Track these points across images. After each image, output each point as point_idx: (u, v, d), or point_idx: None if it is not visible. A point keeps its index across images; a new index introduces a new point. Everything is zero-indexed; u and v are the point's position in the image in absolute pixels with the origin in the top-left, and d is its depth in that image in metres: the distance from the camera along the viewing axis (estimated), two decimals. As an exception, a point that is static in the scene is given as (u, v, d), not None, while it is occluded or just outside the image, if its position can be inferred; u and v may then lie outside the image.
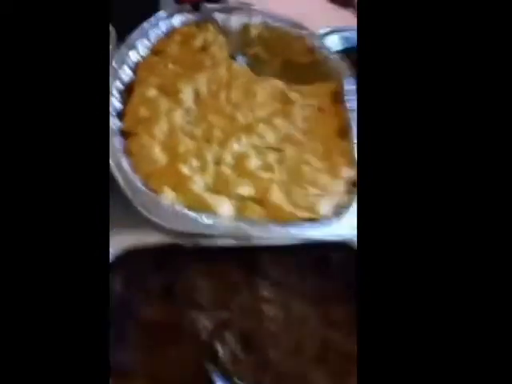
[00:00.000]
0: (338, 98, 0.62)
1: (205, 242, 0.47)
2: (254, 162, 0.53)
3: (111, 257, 0.43)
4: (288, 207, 0.50)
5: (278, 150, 0.55)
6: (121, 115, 0.56)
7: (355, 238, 0.50)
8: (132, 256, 0.45)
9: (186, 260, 0.47)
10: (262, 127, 0.56)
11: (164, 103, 0.57)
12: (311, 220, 0.50)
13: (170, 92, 0.58)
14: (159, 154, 0.52)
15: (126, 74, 0.60)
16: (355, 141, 0.57)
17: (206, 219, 0.47)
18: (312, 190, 0.52)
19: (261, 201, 0.50)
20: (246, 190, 0.50)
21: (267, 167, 0.53)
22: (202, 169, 0.51)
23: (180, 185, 0.49)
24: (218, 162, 0.52)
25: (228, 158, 0.52)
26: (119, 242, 0.45)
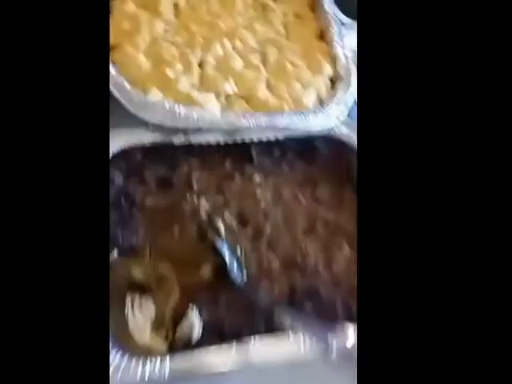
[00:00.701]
0: (315, 5, 0.64)
1: (195, 139, 0.49)
2: (238, 63, 0.54)
3: (110, 154, 0.45)
4: (273, 101, 0.52)
5: (260, 52, 0.56)
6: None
7: (337, 128, 0.53)
8: (128, 153, 0.47)
9: (180, 155, 0.48)
10: (243, 32, 0.57)
11: (144, 16, 0.57)
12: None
13: (149, 6, 0.59)
14: (143, 61, 0.52)
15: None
16: (334, 41, 0.59)
17: (194, 113, 0.47)
18: (296, 85, 0.53)
19: (247, 97, 0.52)
20: (231, 87, 0.51)
21: (251, 67, 0.54)
22: (187, 71, 0.52)
23: (166, 85, 0.50)
24: (202, 64, 0.53)
25: (212, 60, 0.53)
26: (116, 142, 0.46)
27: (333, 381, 0.38)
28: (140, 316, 0.39)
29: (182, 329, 0.38)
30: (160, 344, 0.37)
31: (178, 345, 0.37)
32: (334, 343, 0.36)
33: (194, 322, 0.38)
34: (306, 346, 0.37)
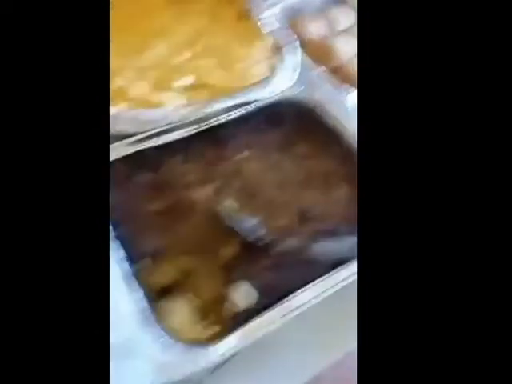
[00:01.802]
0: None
1: (169, 137, 0.49)
2: (183, 55, 0.54)
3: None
4: (228, 81, 0.53)
5: (199, 40, 0.56)
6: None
7: (294, 92, 0.55)
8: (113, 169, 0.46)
9: (162, 156, 0.48)
10: (173, 29, 0.57)
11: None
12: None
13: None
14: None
15: None
16: (259, 16, 0.62)
17: (158, 113, 0.48)
18: (243, 62, 0.55)
19: (205, 85, 0.52)
20: (186, 80, 0.52)
21: (201, 55, 0.55)
22: (137, 77, 0.52)
23: (120, 96, 0.49)
24: (149, 66, 0.53)
25: (158, 60, 0.53)
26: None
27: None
28: (181, 314, 0.39)
29: (229, 308, 0.38)
30: (215, 328, 0.37)
31: (234, 323, 0.37)
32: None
33: (243, 294, 0.38)
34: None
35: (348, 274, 0.39)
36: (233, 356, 0.35)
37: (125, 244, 0.40)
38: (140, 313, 0.36)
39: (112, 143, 0.47)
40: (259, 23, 0.60)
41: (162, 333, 0.35)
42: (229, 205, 0.45)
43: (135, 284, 0.38)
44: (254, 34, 0.59)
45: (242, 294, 0.38)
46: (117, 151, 0.47)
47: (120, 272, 0.38)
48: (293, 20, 0.63)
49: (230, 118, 0.51)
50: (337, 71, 0.59)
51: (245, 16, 0.62)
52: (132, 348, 0.34)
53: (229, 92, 0.52)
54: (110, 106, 0.48)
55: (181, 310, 0.38)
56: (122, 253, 0.39)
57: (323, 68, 0.58)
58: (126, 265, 0.39)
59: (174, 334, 0.36)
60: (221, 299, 0.38)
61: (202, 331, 0.37)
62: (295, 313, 0.37)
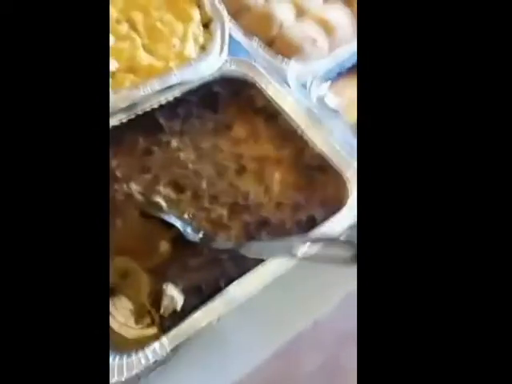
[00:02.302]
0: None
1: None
2: (110, 39, 0.50)
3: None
4: (158, 63, 0.50)
5: (126, 20, 0.53)
6: None
7: (226, 67, 0.53)
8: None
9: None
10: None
11: None
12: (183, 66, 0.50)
13: None
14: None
15: None
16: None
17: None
18: (173, 41, 0.51)
19: (131, 69, 0.49)
20: (113, 64, 0.49)
21: (124, 38, 0.51)
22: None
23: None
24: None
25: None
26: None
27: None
28: (119, 315, 0.39)
29: (165, 307, 0.38)
30: (150, 330, 0.38)
31: (167, 322, 0.38)
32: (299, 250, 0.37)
33: (173, 296, 0.38)
34: (275, 265, 0.39)
35: (275, 267, 0.40)
36: (170, 355, 0.36)
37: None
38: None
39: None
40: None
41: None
42: (159, 201, 0.44)
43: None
44: (187, 6, 0.55)
45: (170, 297, 0.39)
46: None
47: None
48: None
49: (160, 103, 0.49)
50: (274, 41, 0.57)
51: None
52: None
53: (157, 74, 0.49)
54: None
55: (119, 313, 0.39)
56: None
57: (259, 40, 0.55)
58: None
59: (111, 339, 0.37)
60: (155, 301, 0.39)
61: (138, 333, 0.38)
62: (229, 307, 0.39)
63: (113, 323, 0.38)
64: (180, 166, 0.47)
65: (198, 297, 0.39)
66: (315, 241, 0.37)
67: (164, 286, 0.39)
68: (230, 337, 0.40)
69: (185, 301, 0.39)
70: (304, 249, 0.36)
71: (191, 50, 0.52)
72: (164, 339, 0.37)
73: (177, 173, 0.47)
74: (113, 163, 0.47)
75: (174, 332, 0.37)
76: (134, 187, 0.45)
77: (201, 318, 0.38)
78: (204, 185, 0.46)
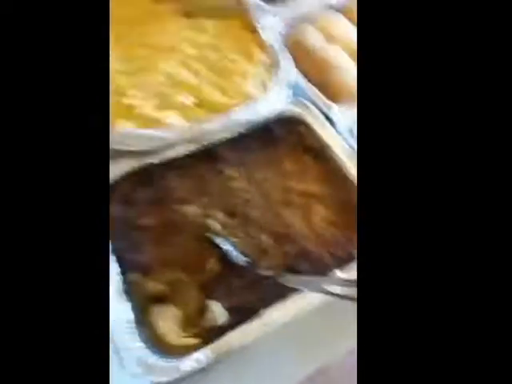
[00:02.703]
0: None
1: (168, 155, 0.52)
2: (184, 74, 0.57)
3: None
4: (224, 100, 0.56)
5: (199, 57, 0.59)
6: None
7: (287, 107, 0.58)
8: (115, 183, 0.51)
9: (159, 172, 0.52)
10: (180, 44, 0.60)
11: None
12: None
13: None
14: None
15: None
16: (261, 29, 0.63)
17: (160, 132, 0.51)
18: (239, 79, 0.57)
19: (201, 104, 0.55)
20: (186, 98, 0.55)
21: (196, 74, 0.57)
22: (143, 95, 0.55)
23: (129, 113, 0.53)
24: (153, 85, 0.56)
25: (161, 78, 0.56)
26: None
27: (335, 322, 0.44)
28: (168, 322, 0.43)
29: (208, 321, 0.43)
30: (193, 340, 0.42)
31: (209, 336, 0.42)
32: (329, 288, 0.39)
33: (216, 312, 0.43)
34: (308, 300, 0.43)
35: (312, 298, 0.44)
36: (208, 366, 0.40)
37: (119, 258, 0.45)
38: (129, 321, 0.42)
39: (116, 159, 0.52)
40: (258, 38, 0.61)
41: (149, 340, 0.41)
42: (212, 223, 0.49)
43: (126, 295, 0.43)
44: (254, 46, 0.61)
45: (215, 313, 0.43)
46: (120, 167, 0.52)
47: (114, 284, 0.44)
48: (288, 33, 0.64)
49: (223, 137, 0.55)
50: (328, 84, 0.61)
51: (247, 30, 0.64)
52: (121, 352, 0.40)
53: (224, 110, 0.55)
54: (115, 124, 0.52)
55: (166, 321, 0.44)
56: (116, 266, 0.45)
57: (314, 82, 0.59)
58: (119, 277, 0.44)
59: (158, 342, 0.42)
60: (200, 314, 0.44)
61: (183, 341, 0.43)
62: (265, 329, 0.42)
63: (162, 328, 0.43)
64: (233, 194, 0.52)
65: (238, 316, 0.43)
66: (348, 283, 0.40)
67: (209, 302, 0.44)
68: (262, 358, 0.43)
69: (228, 319, 0.43)
70: (338, 287, 0.39)
71: (255, 89, 0.57)
72: (205, 350, 0.41)
73: (230, 200, 0.52)
74: (173, 186, 0.52)
75: (214, 345, 0.41)
76: (189, 210, 0.51)
77: (239, 336, 0.42)
78: (253, 213, 0.51)
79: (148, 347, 0.41)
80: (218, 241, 0.48)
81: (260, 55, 0.60)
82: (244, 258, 0.47)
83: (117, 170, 0.51)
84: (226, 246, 0.47)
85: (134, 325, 0.42)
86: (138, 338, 0.41)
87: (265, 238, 0.49)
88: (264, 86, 0.58)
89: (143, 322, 0.43)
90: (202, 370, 0.41)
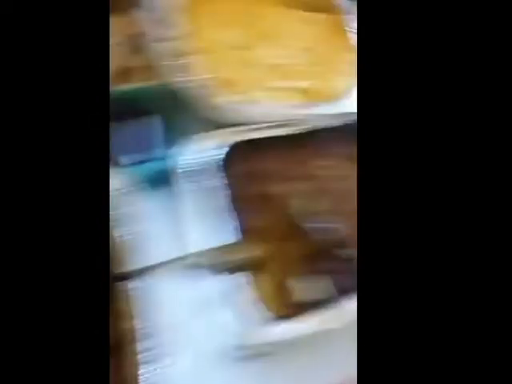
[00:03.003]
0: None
1: (268, 133, 0.55)
2: (294, 61, 0.60)
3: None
4: (327, 91, 0.59)
5: (310, 49, 0.62)
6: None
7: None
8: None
9: (260, 149, 0.55)
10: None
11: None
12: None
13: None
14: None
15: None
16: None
17: (260, 107, 0.54)
18: (339, 76, 0.61)
19: (305, 91, 0.58)
20: (293, 83, 0.58)
21: (304, 62, 0.60)
22: (246, 72, 0.57)
23: (228, 87, 0.55)
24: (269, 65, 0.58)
25: (276, 61, 0.59)
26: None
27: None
28: (261, 291, 0.46)
29: (300, 295, 0.45)
30: (282, 310, 0.44)
31: (299, 310, 0.44)
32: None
33: (308, 288, 0.46)
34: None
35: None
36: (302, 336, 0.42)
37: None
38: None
39: (220, 130, 0.54)
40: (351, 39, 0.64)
41: (242, 304, 0.44)
42: (300, 203, 0.51)
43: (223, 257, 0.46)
44: (347, 46, 0.64)
45: (319, 286, 0.46)
46: (223, 138, 0.54)
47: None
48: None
49: (320, 125, 0.57)
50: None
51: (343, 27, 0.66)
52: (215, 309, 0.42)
53: (321, 99, 0.58)
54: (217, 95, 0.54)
55: (260, 287, 0.47)
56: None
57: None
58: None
59: (252, 307, 0.44)
60: (297, 284, 0.47)
61: (277, 309, 0.46)
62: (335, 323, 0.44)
63: (254, 292, 0.46)
64: (318, 182, 0.55)
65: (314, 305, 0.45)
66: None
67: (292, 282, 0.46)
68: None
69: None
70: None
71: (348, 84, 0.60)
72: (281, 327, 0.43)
73: (315, 187, 0.55)
74: (272, 166, 0.54)
75: (303, 321, 0.44)
76: (279, 189, 0.53)
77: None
78: (344, 202, 0.53)
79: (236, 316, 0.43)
80: (304, 220, 0.50)
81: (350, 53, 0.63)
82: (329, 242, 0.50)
83: (220, 141, 0.53)
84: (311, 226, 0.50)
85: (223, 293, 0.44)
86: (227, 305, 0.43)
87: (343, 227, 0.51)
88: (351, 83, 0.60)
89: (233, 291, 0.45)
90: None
